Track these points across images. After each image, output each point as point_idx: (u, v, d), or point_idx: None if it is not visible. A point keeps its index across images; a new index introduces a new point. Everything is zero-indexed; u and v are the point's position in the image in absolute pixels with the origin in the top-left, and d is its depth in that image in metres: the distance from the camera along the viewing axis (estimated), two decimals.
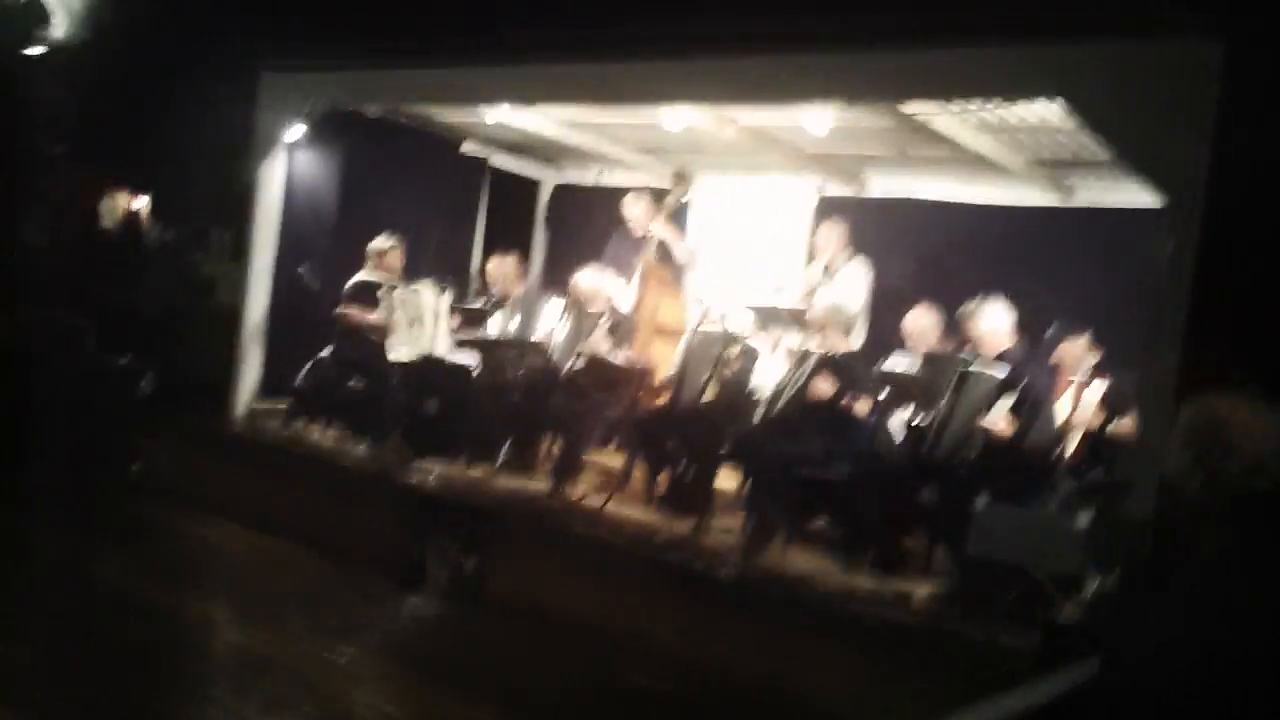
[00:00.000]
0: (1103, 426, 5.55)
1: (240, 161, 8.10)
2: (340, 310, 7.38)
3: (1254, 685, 1.64)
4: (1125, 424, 5.58)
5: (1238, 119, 4.39)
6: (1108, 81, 4.58)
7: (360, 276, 7.49)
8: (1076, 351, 5.86)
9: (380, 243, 7.56)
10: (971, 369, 5.57)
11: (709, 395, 6.36)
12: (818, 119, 6.13)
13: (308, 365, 7.55)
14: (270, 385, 7.86)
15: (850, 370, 5.89)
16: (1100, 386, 5.68)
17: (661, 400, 6.89)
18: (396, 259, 7.56)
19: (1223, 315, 4.48)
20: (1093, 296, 6.37)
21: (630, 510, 6.15)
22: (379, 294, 7.33)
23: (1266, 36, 4.43)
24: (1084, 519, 4.82)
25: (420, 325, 7.35)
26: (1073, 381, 5.74)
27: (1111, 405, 5.63)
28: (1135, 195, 5.78)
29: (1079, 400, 5.61)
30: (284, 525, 6.59)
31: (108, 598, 5.42)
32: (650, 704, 4.90)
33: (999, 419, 5.32)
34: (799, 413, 5.90)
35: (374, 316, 7.31)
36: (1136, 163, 4.73)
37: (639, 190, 7.93)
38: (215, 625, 5.49)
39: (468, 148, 9.12)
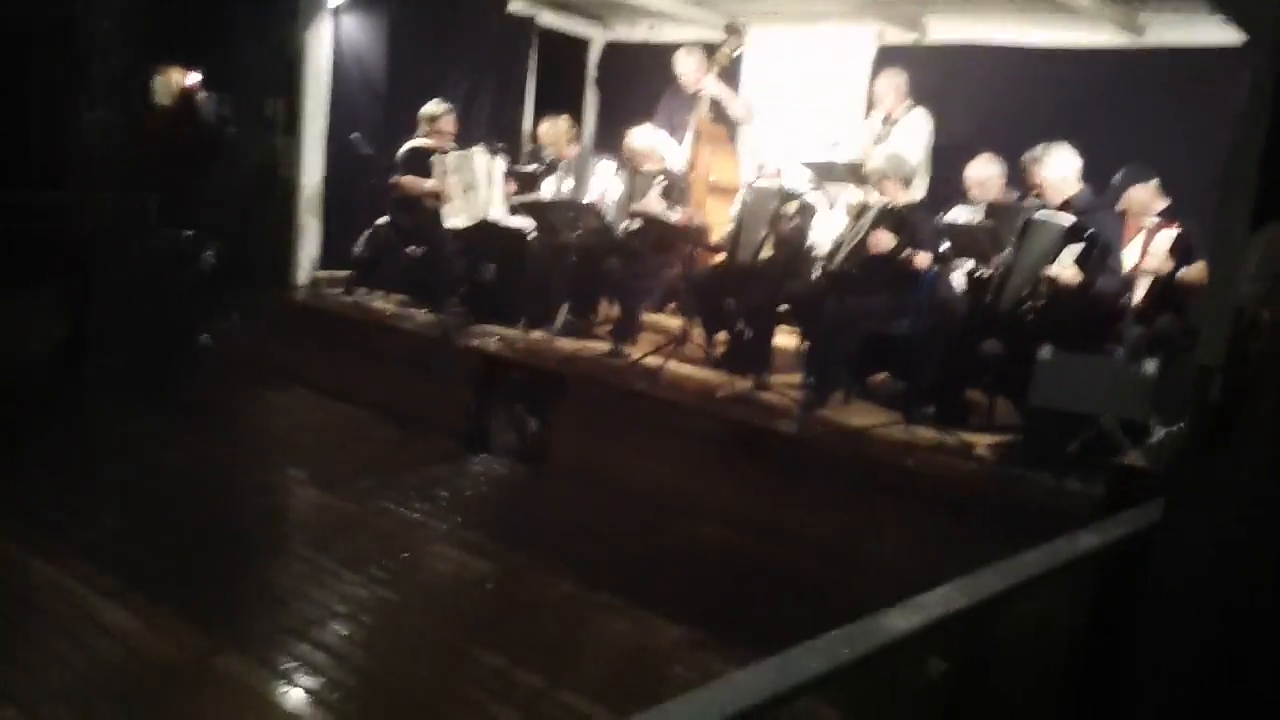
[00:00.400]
0: (1171, 273, 5.43)
1: (287, 30, 8.03)
2: (394, 179, 7.37)
3: None
4: (1195, 270, 5.45)
5: None
6: None
7: (413, 143, 7.45)
8: (1144, 197, 5.69)
9: (432, 108, 7.48)
10: (1036, 217, 5.45)
11: (766, 252, 6.31)
12: None
13: (365, 234, 7.60)
14: (330, 255, 7.93)
15: (910, 222, 5.80)
16: (1169, 232, 5.54)
17: (718, 259, 6.85)
18: (449, 124, 7.50)
19: None
20: (1162, 140, 6.17)
21: (690, 369, 6.19)
22: (432, 160, 7.31)
23: None
24: (1152, 366, 4.75)
25: (474, 190, 7.35)
26: (1141, 227, 5.60)
27: (1181, 251, 5.50)
28: (1209, 33, 5.55)
29: (1148, 246, 5.48)
30: (350, 391, 6.74)
31: (188, 466, 5.61)
32: (715, 558, 5.01)
33: (1065, 269, 5.22)
34: (858, 267, 5.84)
35: (429, 184, 7.29)
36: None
37: (690, 45, 7.74)
38: (292, 487, 5.67)
39: (515, 7, 8.93)
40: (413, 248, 7.45)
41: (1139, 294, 5.42)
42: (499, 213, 7.34)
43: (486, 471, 5.93)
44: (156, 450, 5.75)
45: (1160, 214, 5.62)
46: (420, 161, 7.34)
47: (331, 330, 7.22)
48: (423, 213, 7.33)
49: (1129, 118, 6.38)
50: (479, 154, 7.34)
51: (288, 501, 5.54)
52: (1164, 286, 5.45)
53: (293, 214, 7.88)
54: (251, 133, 9.51)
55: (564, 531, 5.15)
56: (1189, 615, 1.66)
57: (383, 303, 7.41)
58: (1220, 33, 4.60)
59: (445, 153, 7.28)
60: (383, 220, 7.49)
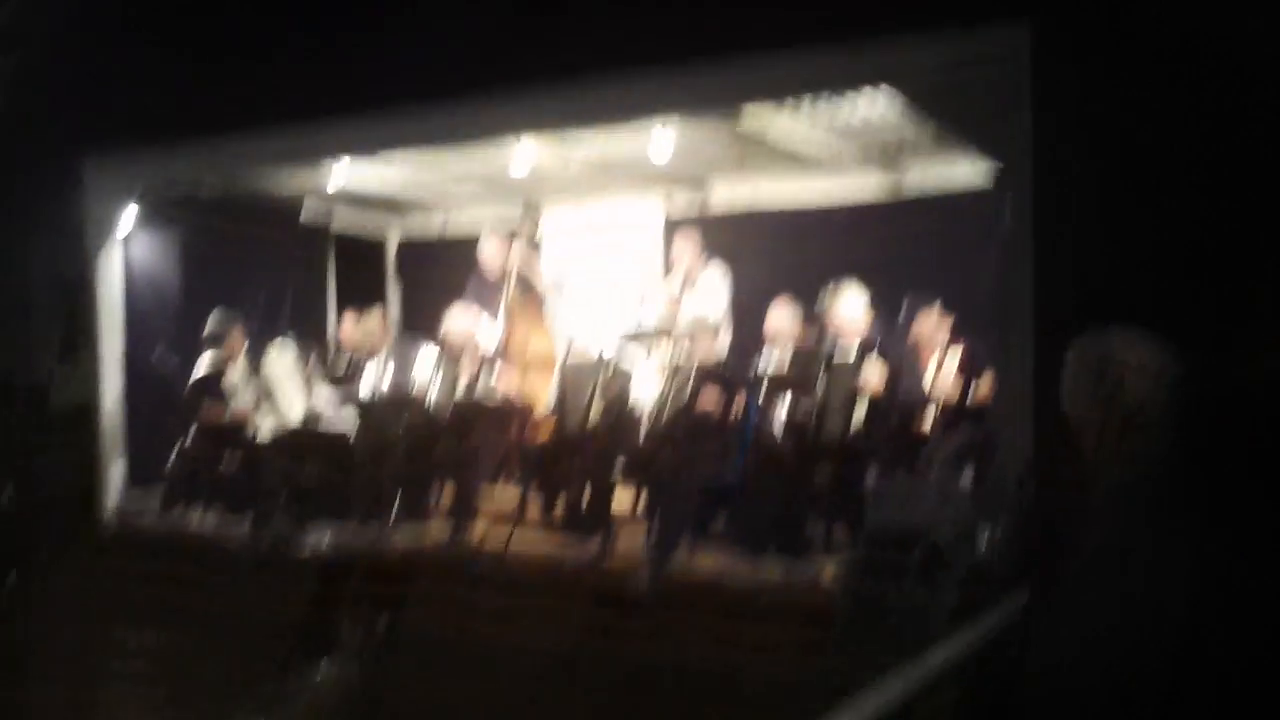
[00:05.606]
0: (965, 388, 5.90)
1: (73, 257, 7.84)
2: (190, 410, 7.19)
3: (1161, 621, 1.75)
4: (986, 384, 5.96)
5: (1053, 93, 4.72)
6: (931, 70, 4.87)
7: (203, 368, 7.30)
8: (930, 324, 6.21)
9: (213, 327, 7.38)
10: (838, 360, 5.82)
11: (593, 419, 6.45)
12: (659, 139, 6.29)
13: (175, 450, 7.34)
14: (140, 475, 7.58)
15: (726, 376, 6.07)
16: (957, 352, 6.04)
17: (546, 433, 6.94)
18: (237, 340, 7.40)
19: (1067, 275, 4.80)
20: (936, 275, 6.72)
21: (533, 540, 6.17)
22: (223, 384, 7.19)
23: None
24: (966, 479, 5.09)
25: (274, 395, 7.21)
26: (934, 352, 6.09)
27: (970, 368, 6.00)
28: (964, 174, 6.19)
29: (941, 367, 5.96)
30: (183, 617, 6.37)
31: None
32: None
33: (870, 375, 5.53)
34: (684, 422, 6.05)
35: (227, 414, 7.15)
36: (967, 143, 5.04)
37: (490, 232, 7.99)
38: None
39: (308, 214, 9.01)
40: (228, 457, 7.23)
41: (941, 411, 5.85)
42: (302, 408, 7.22)
43: (338, 679, 5.67)
44: None
45: (947, 337, 6.14)
46: (214, 385, 7.22)
47: (150, 556, 6.84)
48: (230, 429, 7.15)
49: (904, 255, 6.92)
50: (270, 358, 7.22)
51: None
52: (961, 402, 5.92)
53: (94, 440, 7.52)
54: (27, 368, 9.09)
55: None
56: (1073, 702, 1.79)
57: (202, 519, 7.12)
58: (971, 173, 5.13)
59: (221, 371, 7.19)
60: (192, 436, 7.26)
